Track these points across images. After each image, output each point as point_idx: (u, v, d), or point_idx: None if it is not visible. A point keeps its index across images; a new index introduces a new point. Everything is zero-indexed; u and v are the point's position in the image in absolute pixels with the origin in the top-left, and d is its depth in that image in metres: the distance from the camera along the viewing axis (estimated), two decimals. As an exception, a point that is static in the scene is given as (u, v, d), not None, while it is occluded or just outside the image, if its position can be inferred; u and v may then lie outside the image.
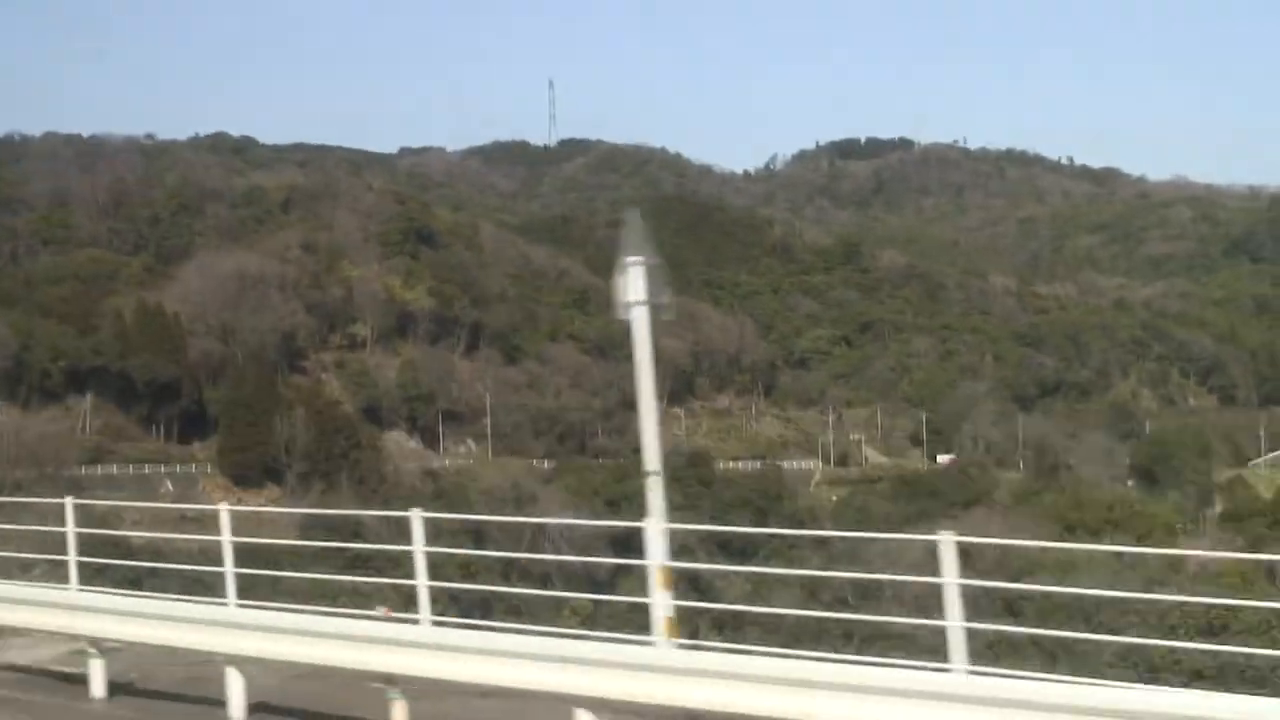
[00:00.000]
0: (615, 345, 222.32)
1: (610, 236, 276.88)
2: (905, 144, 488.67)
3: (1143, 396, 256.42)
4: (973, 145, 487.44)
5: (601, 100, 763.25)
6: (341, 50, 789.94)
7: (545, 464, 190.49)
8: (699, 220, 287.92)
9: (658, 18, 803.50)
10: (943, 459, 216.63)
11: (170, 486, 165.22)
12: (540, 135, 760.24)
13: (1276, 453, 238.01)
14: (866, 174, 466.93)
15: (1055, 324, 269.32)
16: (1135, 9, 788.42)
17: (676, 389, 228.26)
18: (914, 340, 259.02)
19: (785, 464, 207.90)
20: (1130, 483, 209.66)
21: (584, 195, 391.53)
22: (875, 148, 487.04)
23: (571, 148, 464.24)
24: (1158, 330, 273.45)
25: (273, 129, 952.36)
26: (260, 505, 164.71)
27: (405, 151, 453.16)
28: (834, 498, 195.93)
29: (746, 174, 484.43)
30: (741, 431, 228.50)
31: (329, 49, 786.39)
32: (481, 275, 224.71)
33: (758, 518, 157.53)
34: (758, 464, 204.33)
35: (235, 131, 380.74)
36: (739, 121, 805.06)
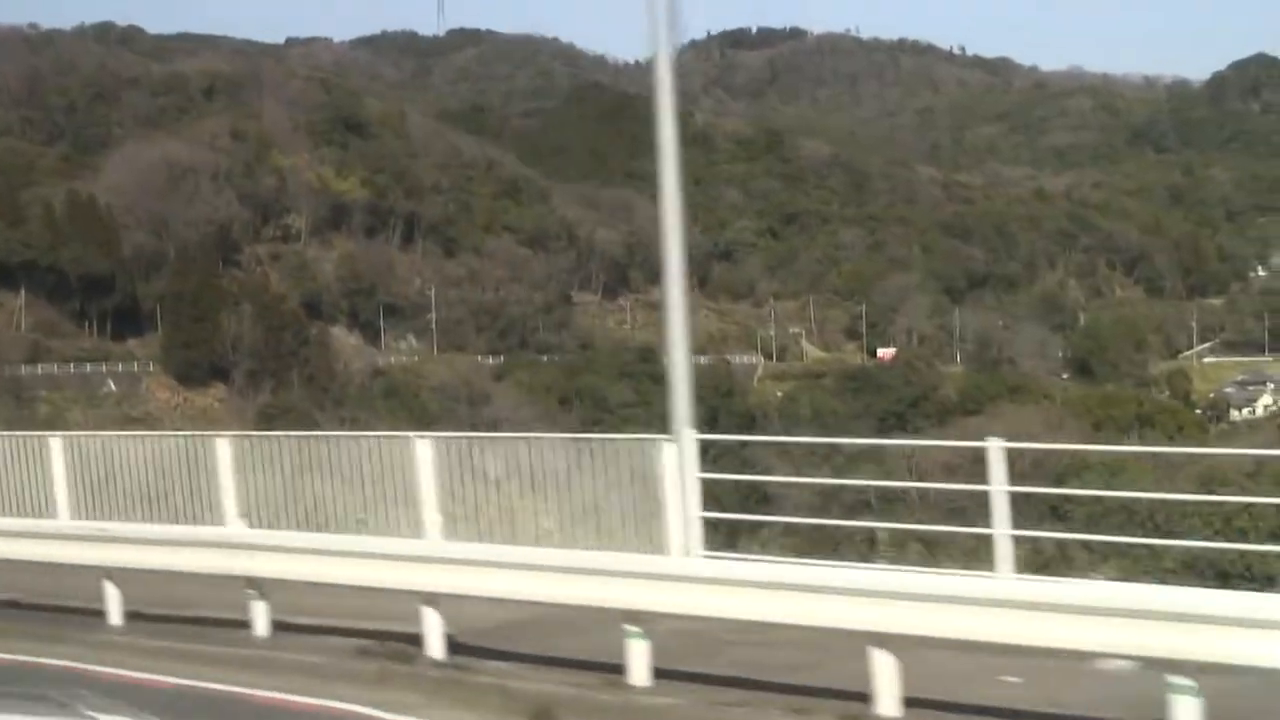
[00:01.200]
0: (551, 237, 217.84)
1: (528, 126, 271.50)
2: (797, 34, 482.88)
3: (1070, 288, 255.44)
4: (864, 35, 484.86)
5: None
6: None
7: (490, 360, 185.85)
8: (616, 110, 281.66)
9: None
10: (882, 353, 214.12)
11: (113, 386, 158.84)
12: (428, 25, 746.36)
13: (1207, 344, 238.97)
14: (759, 64, 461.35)
15: (981, 215, 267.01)
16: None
17: (611, 282, 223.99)
18: (841, 231, 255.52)
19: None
20: (1065, 375, 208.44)
21: (477, 86, 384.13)
22: (767, 37, 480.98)
23: (461, 38, 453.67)
24: (1083, 221, 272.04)
25: (158, 18, 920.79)
26: (207, 404, 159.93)
27: (292, 42, 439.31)
28: (779, 393, 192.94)
29: (638, 64, 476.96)
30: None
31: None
32: (413, 166, 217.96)
33: (709, 414, 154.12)
34: (700, 359, 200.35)
35: (120, 20, 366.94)
36: (628, 9, 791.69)
